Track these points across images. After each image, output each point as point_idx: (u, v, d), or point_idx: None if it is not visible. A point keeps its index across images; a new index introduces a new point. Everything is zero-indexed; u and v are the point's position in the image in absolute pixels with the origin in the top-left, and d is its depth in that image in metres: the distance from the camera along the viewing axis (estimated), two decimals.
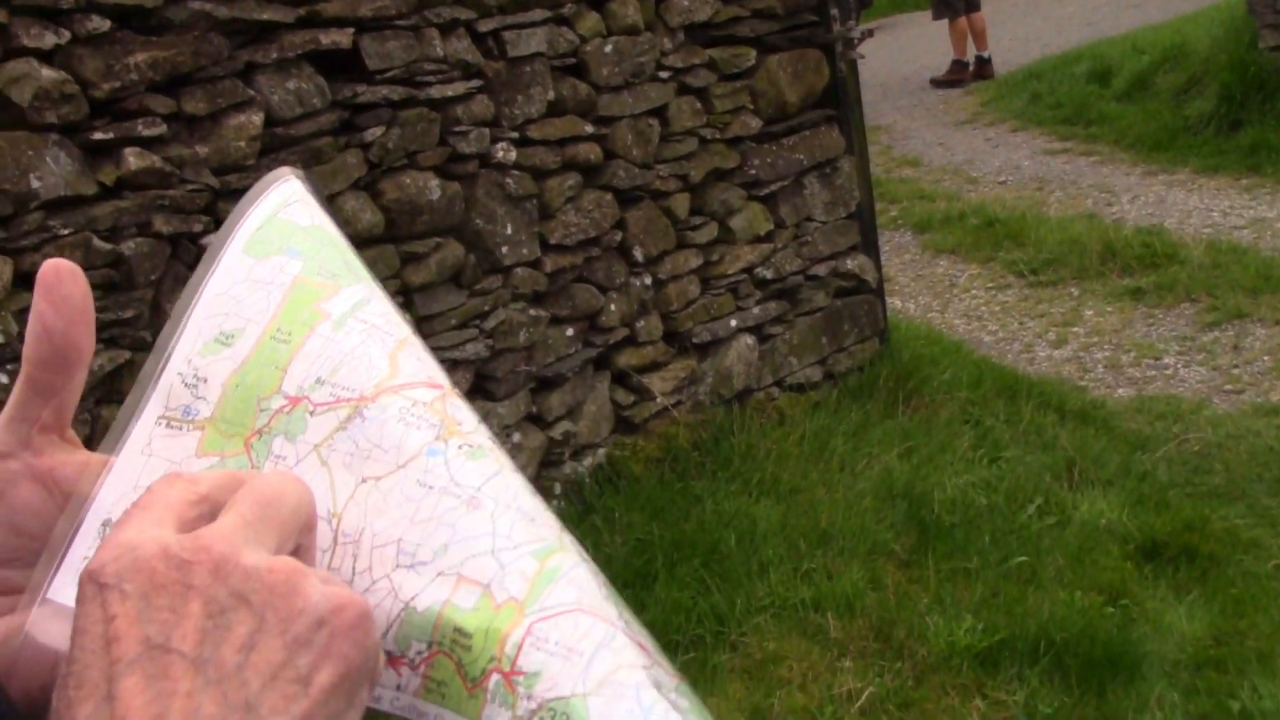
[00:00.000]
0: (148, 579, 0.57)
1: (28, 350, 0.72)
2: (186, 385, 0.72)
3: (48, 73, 3.27)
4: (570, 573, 0.65)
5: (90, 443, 0.74)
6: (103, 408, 3.47)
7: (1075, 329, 6.63)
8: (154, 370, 0.73)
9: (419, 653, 0.65)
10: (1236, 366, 5.94)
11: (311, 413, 0.71)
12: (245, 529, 0.61)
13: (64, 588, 0.69)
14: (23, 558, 0.71)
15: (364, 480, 0.69)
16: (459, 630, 0.64)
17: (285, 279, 0.74)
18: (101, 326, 3.38)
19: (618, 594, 0.68)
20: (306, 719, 0.57)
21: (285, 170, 0.80)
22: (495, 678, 0.63)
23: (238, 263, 0.75)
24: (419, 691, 0.65)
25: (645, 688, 0.62)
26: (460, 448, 0.69)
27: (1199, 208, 8.15)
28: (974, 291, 7.38)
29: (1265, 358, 5.95)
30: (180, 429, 0.71)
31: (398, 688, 0.65)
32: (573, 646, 0.63)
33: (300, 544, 0.64)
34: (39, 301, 0.72)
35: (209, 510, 0.63)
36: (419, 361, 0.73)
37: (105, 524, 0.69)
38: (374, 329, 0.73)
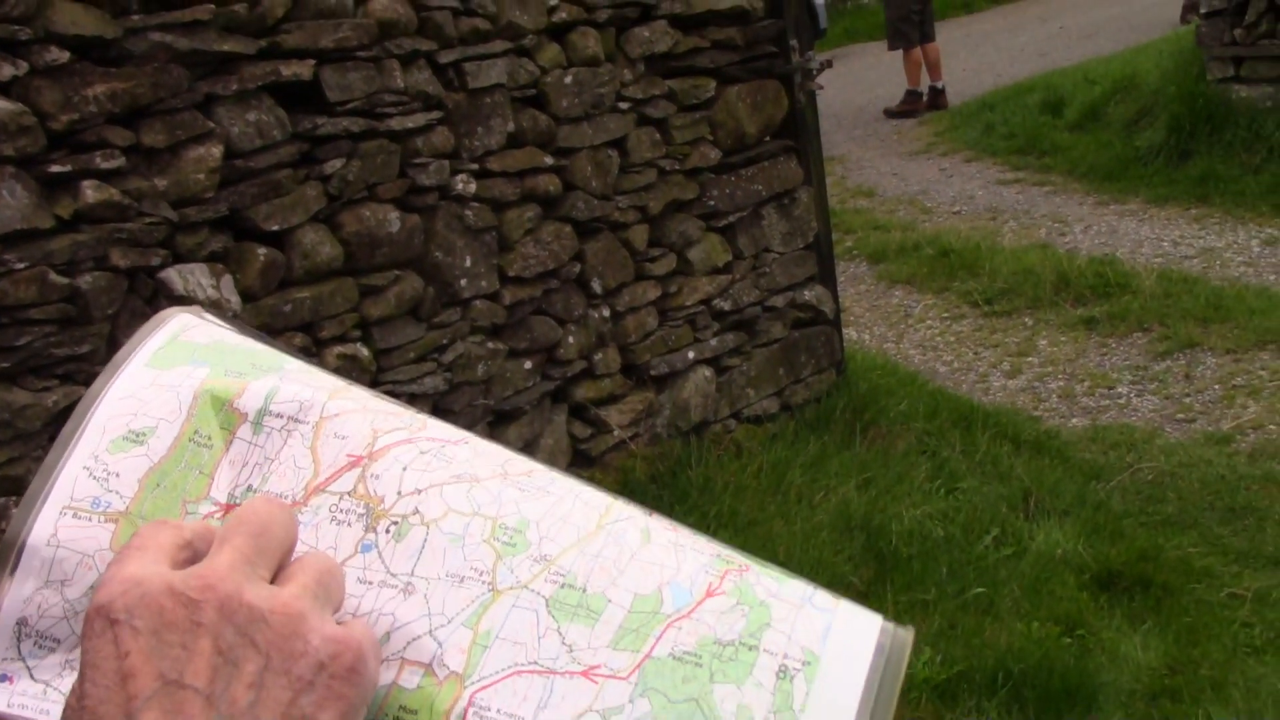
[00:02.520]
0: (158, 615, 0.60)
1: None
2: (95, 478, 0.72)
3: (4, 104, 3.24)
4: (504, 628, 0.68)
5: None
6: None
7: (1030, 359, 6.69)
8: (56, 462, 0.73)
9: None
10: (1188, 395, 6.00)
11: None
12: (245, 564, 0.63)
13: None
14: None
15: None
16: (404, 708, 0.67)
17: (193, 382, 0.76)
18: (56, 362, 3.36)
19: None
20: None
21: (174, 309, 0.82)
22: None
23: (141, 373, 0.77)
24: None
25: None
26: (388, 530, 0.71)
27: (1150, 237, 8.24)
28: (929, 322, 7.43)
29: (1216, 387, 6.02)
30: (89, 520, 0.71)
31: None
32: (513, 713, 0.66)
33: (282, 563, 0.67)
34: None
35: (192, 555, 0.65)
36: (338, 439, 0.75)
37: (20, 623, 0.70)
38: (291, 422, 0.75)
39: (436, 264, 4.30)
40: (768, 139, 5.47)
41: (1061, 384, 6.35)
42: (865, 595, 4.36)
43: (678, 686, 0.66)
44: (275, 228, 3.84)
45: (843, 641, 0.69)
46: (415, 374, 4.27)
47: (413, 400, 4.27)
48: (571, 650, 0.67)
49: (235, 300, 3.71)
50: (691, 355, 5.24)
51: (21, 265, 3.28)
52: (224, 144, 3.69)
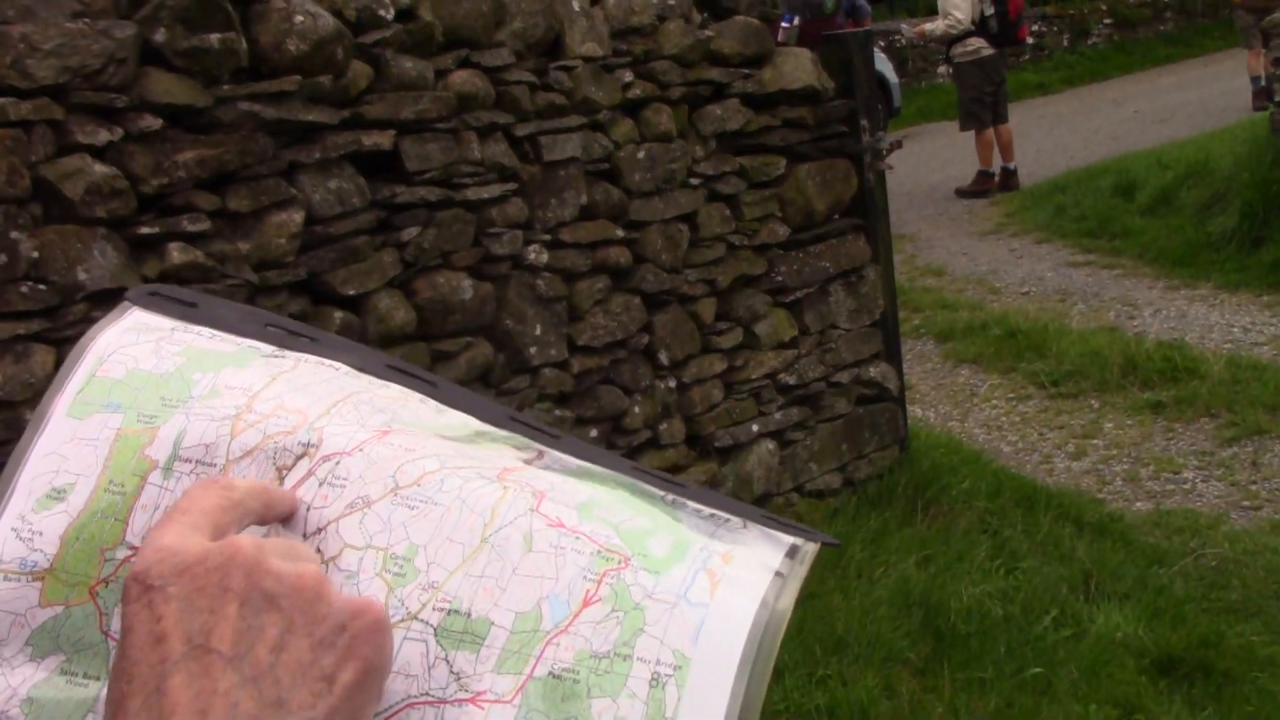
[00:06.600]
0: (190, 581, 0.65)
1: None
2: (21, 539, 0.75)
3: (99, 168, 3.37)
4: (397, 661, 0.70)
5: None
6: None
7: (1094, 441, 6.67)
8: None
9: None
10: (1255, 483, 5.96)
11: None
12: (274, 546, 0.68)
13: None
14: None
15: None
16: None
17: (109, 433, 0.79)
18: None
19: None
20: (332, 713, 0.64)
21: (98, 326, 0.85)
22: None
23: (62, 426, 0.80)
24: None
25: None
26: None
27: (1220, 323, 8.21)
28: (994, 401, 7.43)
29: None
30: (18, 581, 0.74)
31: None
32: None
33: None
34: None
35: (241, 515, 0.70)
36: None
37: None
38: (199, 465, 0.78)
39: (507, 331, 4.39)
40: (836, 217, 5.54)
41: (1126, 467, 6.33)
42: (922, 672, 4.37)
43: (558, 706, 0.69)
44: (352, 292, 3.93)
45: (713, 640, 0.71)
46: None
47: None
48: (459, 678, 0.70)
49: None
50: (756, 428, 5.28)
51: None
52: (305, 210, 3.80)
